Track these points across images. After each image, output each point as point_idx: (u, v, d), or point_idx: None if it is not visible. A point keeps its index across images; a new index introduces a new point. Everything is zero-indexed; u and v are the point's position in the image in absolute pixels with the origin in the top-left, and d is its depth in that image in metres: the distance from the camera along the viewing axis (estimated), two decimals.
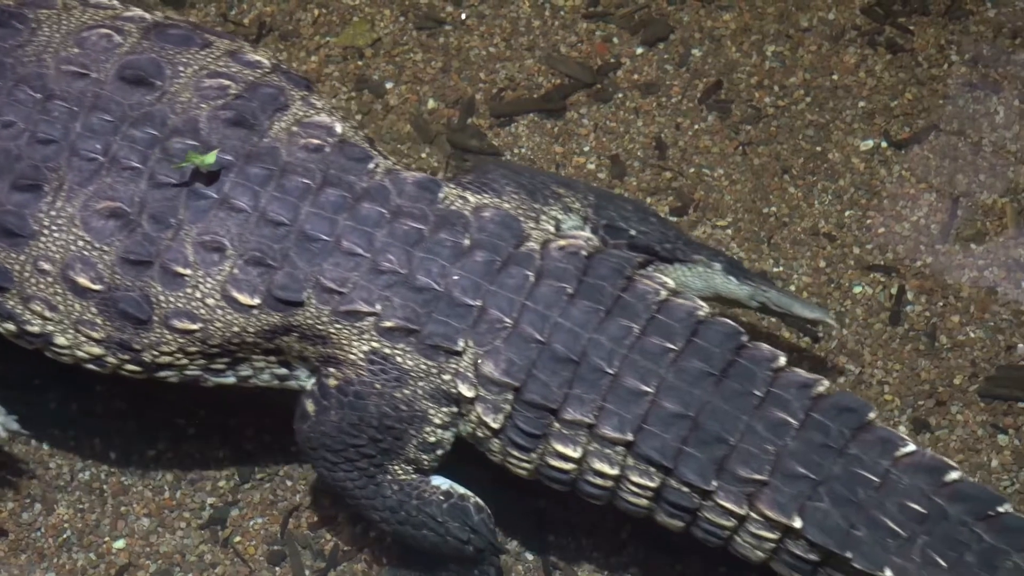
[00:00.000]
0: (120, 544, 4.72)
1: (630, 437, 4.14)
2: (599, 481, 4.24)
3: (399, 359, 4.22)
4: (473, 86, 5.39)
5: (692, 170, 5.24)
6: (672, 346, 4.16)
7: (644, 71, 5.41)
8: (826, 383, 4.18)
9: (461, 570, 4.49)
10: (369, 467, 4.35)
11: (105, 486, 4.79)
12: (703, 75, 5.40)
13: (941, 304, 5.00)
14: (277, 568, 4.68)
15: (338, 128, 4.36)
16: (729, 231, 5.13)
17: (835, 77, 5.39)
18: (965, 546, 4.05)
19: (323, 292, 4.22)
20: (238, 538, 4.72)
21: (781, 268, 5.06)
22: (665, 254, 4.60)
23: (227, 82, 4.37)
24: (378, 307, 4.20)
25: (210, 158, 4.21)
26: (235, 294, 4.23)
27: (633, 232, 4.56)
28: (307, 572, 4.67)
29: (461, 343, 4.20)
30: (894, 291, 5.02)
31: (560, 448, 4.21)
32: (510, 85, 5.40)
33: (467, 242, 4.25)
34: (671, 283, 4.29)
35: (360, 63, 5.43)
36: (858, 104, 5.34)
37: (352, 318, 4.22)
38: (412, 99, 5.36)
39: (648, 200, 5.18)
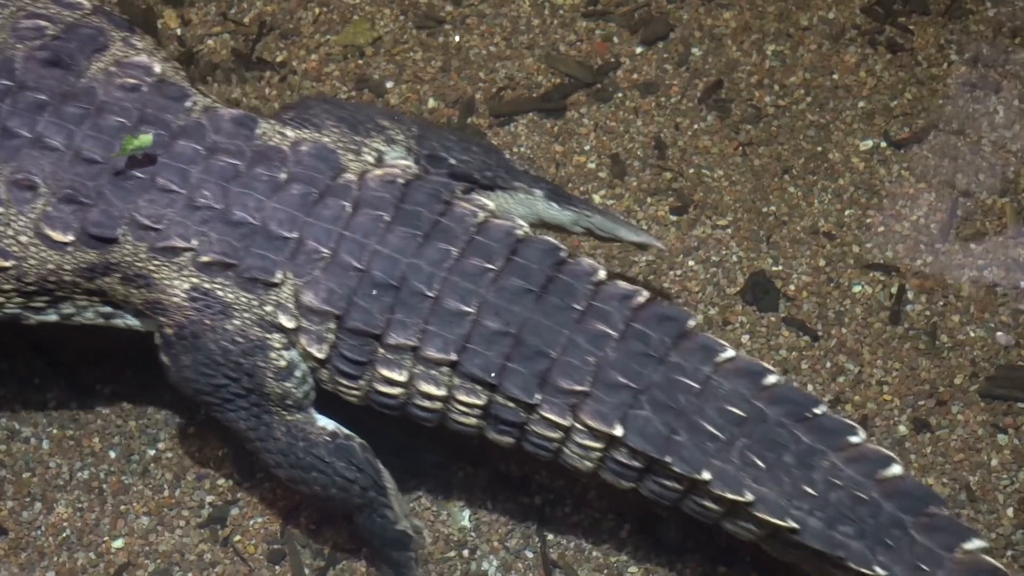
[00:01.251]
0: (119, 543, 4.72)
1: (454, 357, 4.19)
2: (427, 403, 4.29)
3: (220, 293, 4.27)
4: (473, 85, 5.40)
5: (692, 170, 5.24)
6: (491, 266, 4.22)
7: (644, 70, 5.41)
8: (646, 294, 4.24)
9: (363, 519, 4.50)
10: (251, 407, 4.38)
11: (105, 485, 4.79)
12: (703, 74, 5.40)
13: (941, 303, 5.01)
14: (277, 567, 4.68)
15: (157, 68, 4.40)
16: (729, 230, 5.13)
17: (835, 76, 5.39)
18: (783, 447, 4.13)
19: (139, 229, 4.25)
20: (238, 537, 4.72)
21: (780, 267, 5.06)
22: (486, 182, 4.64)
23: (44, 23, 4.40)
24: (194, 242, 4.24)
25: (146, 140, 4.25)
26: (48, 231, 4.25)
27: (453, 161, 4.60)
28: (307, 571, 4.67)
29: (279, 275, 4.24)
30: (894, 290, 5.03)
31: (386, 373, 4.26)
32: (510, 84, 5.40)
33: (284, 176, 4.29)
34: (491, 205, 4.35)
35: (360, 62, 5.43)
36: (858, 104, 5.35)
37: (169, 254, 4.26)
38: (412, 98, 5.36)
39: (648, 200, 5.18)
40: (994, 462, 4.79)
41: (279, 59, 5.40)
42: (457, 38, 5.48)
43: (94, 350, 4.90)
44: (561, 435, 4.22)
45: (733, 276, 5.05)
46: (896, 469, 4.14)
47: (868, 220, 5.15)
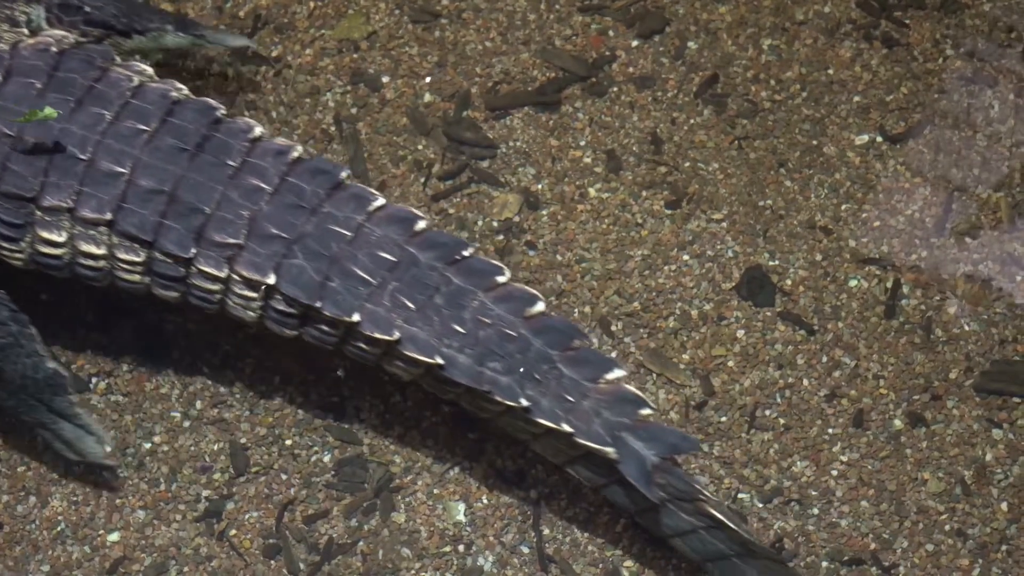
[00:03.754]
0: (115, 537, 4.72)
1: (109, 216, 4.38)
2: (91, 263, 4.48)
3: None
4: (469, 79, 5.39)
5: (687, 164, 5.24)
6: (146, 128, 4.42)
7: (640, 64, 5.41)
8: (300, 148, 4.45)
9: (12, 364, 4.58)
10: None
11: (100, 479, 4.78)
12: (699, 68, 5.40)
13: (936, 298, 5.01)
14: (272, 561, 4.68)
15: None
16: (724, 224, 5.13)
17: (831, 71, 5.39)
18: (434, 289, 4.37)
19: None
20: (233, 531, 4.71)
21: (777, 262, 5.06)
22: (122, 27, 4.88)
23: None
24: None
25: (51, 113, 4.38)
26: None
27: (88, 9, 4.80)
28: (301, 565, 4.67)
29: None
30: (889, 285, 5.03)
31: (46, 235, 4.43)
32: (505, 79, 5.40)
33: None
34: (149, 70, 4.55)
35: (356, 56, 5.42)
36: (853, 98, 5.35)
37: None
38: (408, 92, 5.35)
39: (643, 194, 5.18)
40: (989, 456, 4.79)
41: (274, 53, 5.39)
42: (453, 27, 5.48)
43: (90, 344, 4.90)
44: (220, 287, 4.42)
45: (729, 271, 5.05)
46: (541, 306, 4.36)
47: (864, 215, 5.15)
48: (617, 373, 4.34)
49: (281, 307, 4.41)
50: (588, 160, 5.25)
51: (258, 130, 4.46)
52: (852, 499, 4.74)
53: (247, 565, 4.67)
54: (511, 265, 5.04)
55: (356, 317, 4.33)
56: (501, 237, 5.09)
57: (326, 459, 4.79)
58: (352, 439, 4.81)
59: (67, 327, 4.92)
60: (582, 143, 5.28)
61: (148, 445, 4.82)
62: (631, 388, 4.33)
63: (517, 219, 5.14)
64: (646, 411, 4.31)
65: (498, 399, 4.30)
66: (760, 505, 4.73)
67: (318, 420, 4.83)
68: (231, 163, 4.40)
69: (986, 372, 4.91)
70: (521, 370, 4.30)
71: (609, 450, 4.28)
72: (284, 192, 4.39)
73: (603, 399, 4.31)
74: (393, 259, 4.37)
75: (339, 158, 5.20)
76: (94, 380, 4.88)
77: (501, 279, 4.39)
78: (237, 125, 4.46)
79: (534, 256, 5.06)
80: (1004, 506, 4.72)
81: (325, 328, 4.41)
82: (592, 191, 5.18)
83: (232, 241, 4.36)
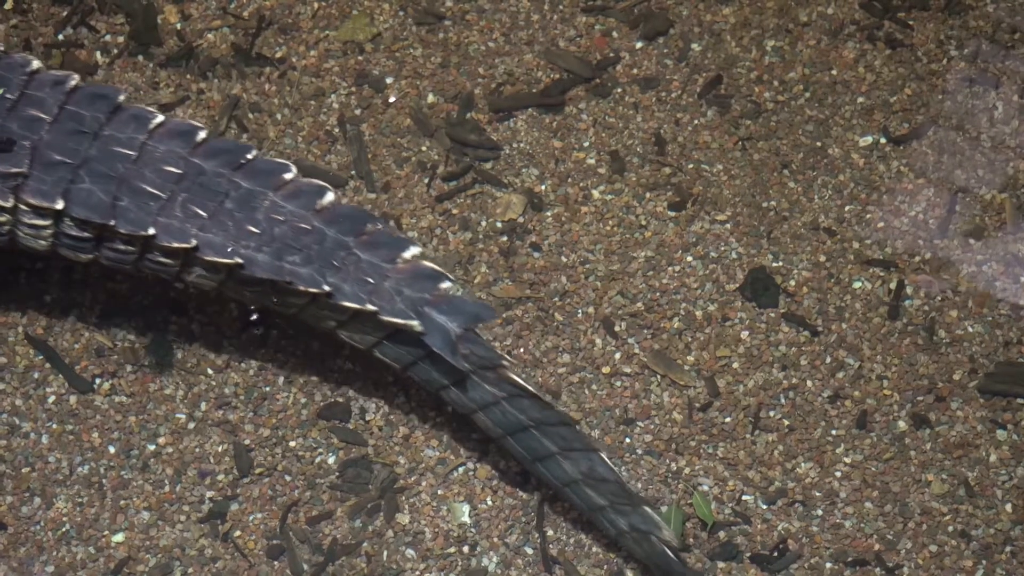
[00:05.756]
0: (119, 538, 4.72)
1: None
2: None
3: None
4: (472, 81, 5.39)
5: (691, 165, 5.24)
6: None
7: (643, 65, 5.41)
8: (76, 77, 4.54)
9: None
10: None
11: (104, 480, 4.79)
12: (703, 70, 5.40)
13: (940, 299, 5.01)
14: (276, 563, 4.68)
15: None
16: (728, 225, 5.13)
17: (834, 72, 5.39)
18: (223, 194, 4.47)
19: None
20: (237, 532, 4.72)
21: (781, 263, 5.06)
22: None
23: None
24: None
25: None
26: None
27: None
28: (305, 567, 4.67)
29: None
30: (893, 286, 5.03)
31: None
32: (509, 80, 5.40)
33: None
34: None
35: (360, 58, 5.42)
36: (857, 100, 5.35)
37: None
38: (412, 93, 5.36)
39: (647, 196, 5.18)
40: (993, 458, 4.79)
41: (278, 55, 5.39)
42: (457, 28, 5.48)
43: (94, 344, 4.91)
44: (8, 218, 4.51)
45: (733, 272, 5.06)
46: (330, 196, 4.49)
47: (868, 216, 5.15)
48: (413, 251, 4.45)
49: (74, 232, 4.49)
50: (592, 161, 5.25)
51: (35, 64, 4.56)
52: (856, 500, 4.75)
53: (251, 566, 4.68)
54: (515, 266, 5.04)
55: (151, 231, 4.42)
56: (505, 238, 5.09)
57: (330, 460, 4.80)
58: (356, 440, 4.81)
59: (71, 327, 4.92)
60: (586, 144, 5.28)
61: (152, 447, 4.82)
62: (429, 264, 4.44)
63: (521, 220, 5.14)
64: (445, 284, 4.43)
65: (301, 289, 4.40)
66: (764, 506, 4.73)
67: (322, 421, 4.83)
68: (9, 96, 4.49)
69: (990, 373, 4.91)
70: (320, 259, 4.41)
71: (414, 323, 4.38)
72: (64, 120, 4.49)
73: (403, 278, 4.42)
74: (179, 172, 4.47)
75: (343, 159, 5.20)
76: (98, 381, 4.88)
77: (288, 176, 4.50)
78: (14, 60, 4.56)
79: (538, 257, 5.07)
80: (1008, 507, 4.73)
81: (122, 247, 4.50)
82: (596, 192, 5.18)
83: (15, 171, 4.44)
